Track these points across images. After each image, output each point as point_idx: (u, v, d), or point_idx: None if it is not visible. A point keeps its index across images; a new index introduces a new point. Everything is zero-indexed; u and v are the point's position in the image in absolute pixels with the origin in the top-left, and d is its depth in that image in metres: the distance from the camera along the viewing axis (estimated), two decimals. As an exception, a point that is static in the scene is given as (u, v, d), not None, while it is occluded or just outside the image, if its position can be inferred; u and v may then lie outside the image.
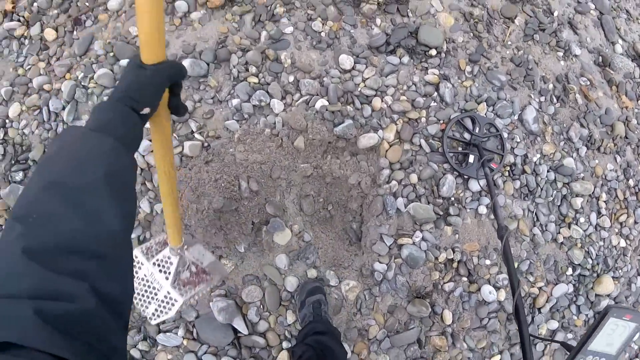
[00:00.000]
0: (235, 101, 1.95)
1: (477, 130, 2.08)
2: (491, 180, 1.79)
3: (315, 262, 1.96)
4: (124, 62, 1.96)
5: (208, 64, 1.97)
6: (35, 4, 2.08)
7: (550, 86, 2.28)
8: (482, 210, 2.06)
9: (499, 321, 2.07)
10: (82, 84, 1.95)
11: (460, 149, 2.10)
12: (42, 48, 2.05)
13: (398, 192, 1.99)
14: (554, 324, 2.14)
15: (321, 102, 1.97)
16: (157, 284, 1.38)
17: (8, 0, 2.11)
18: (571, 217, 2.20)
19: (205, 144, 1.92)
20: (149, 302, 1.37)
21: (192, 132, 1.92)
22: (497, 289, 2.07)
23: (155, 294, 1.37)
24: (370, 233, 1.99)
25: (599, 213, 2.26)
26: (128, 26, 2.00)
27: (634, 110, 2.45)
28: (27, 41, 2.09)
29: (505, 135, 2.13)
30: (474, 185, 2.06)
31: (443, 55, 2.16)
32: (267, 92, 1.96)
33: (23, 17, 2.11)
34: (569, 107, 2.29)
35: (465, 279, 2.04)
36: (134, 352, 1.84)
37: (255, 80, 1.97)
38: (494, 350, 2.07)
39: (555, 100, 2.27)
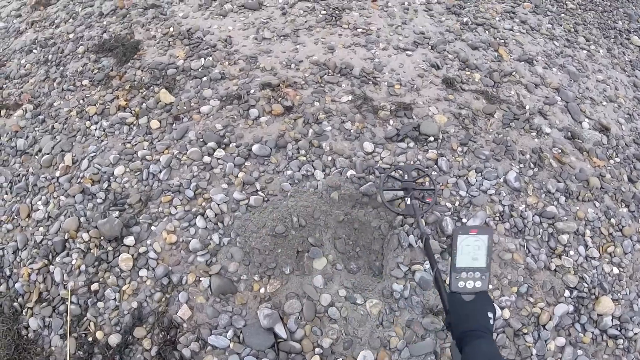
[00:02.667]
0: (289, 172, 2.75)
1: (406, 177, 2.59)
2: (417, 206, 2.36)
3: (344, 283, 2.49)
4: (210, 144, 2.86)
5: (271, 148, 2.84)
6: (144, 104, 3.13)
7: (527, 156, 2.87)
8: None
9: (507, 337, 2.37)
10: (177, 157, 2.84)
11: (396, 195, 2.61)
12: (147, 132, 2.98)
13: (409, 231, 2.57)
14: (562, 340, 2.38)
15: (351, 172, 2.73)
16: None
17: (122, 98, 3.17)
18: (560, 250, 2.58)
19: (266, 199, 2.68)
20: None
21: (257, 190, 2.70)
22: (502, 308, 2.42)
23: None
24: (389, 263, 2.52)
25: (586, 246, 2.61)
26: (215, 123, 2.96)
27: (607, 167, 2.92)
28: (135, 127, 3.02)
29: (433, 173, 2.64)
30: (470, 223, 2.58)
31: (439, 141, 2.89)
32: (312, 165, 2.77)
33: (134, 111, 3.11)
34: (545, 170, 2.83)
35: None
36: (185, 352, 2.24)
37: (304, 158, 2.79)
38: (507, 365, 2.34)
39: (532, 166, 2.83)
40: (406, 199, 2.49)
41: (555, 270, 2.53)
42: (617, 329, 2.45)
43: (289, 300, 2.43)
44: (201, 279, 2.46)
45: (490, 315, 1.21)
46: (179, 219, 2.64)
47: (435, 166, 2.76)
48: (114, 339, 2.33)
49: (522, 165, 2.82)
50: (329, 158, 2.79)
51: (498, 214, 2.64)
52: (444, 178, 2.71)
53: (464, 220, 2.60)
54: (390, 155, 2.79)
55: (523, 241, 2.59)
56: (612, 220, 2.72)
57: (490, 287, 2.45)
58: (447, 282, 1.34)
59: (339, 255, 2.57)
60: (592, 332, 2.41)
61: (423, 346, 2.33)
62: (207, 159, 2.83)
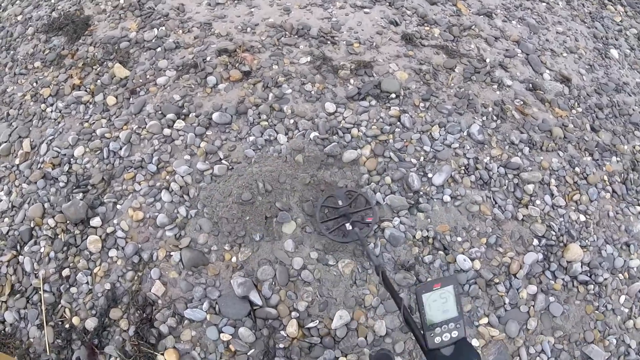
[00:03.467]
0: (251, 138, 2.57)
1: (340, 202, 2.38)
2: (362, 237, 2.21)
3: (315, 245, 2.36)
4: (169, 115, 2.65)
5: (231, 115, 2.64)
6: (99, 81, 2.91)
7: (490, 109, 2.76)
8: (447, 199, 2.43)
9: (479, 287, 2.29)
10: (136, 131, 2.63)
11: (334, 224, 2.36)
12: (104, 109, 2.77)
13: (376, 189, 2.44)
14: (533, 288, 2.31)
15: (314, 134, 2.57)
16: None
17: (76, 77, 2.95)
18: (526, 199, 2.50)
19: (230, 167, 2.51)
20: None
21: (220, 159, 2.52)
22: (472, 259, 2.33)
23: None
24: (359, 222, 2.40)
25: (552, 195, 2.54)
26: (172, 94, 2.75)
27: (569, 117, 2.85)
28: (91, 105, 2.81)
29: (367, 192, 2.40)
30: (437, 180, 2.47)
31: (401, 97, 2.75)
32: (275, 130, 2.60)
33: (89, 88, 2.89)
34: (508, 122, 2.74)
35: (441, 252, 2.33)
36: (163, 328, 2.14)
37: (266, 123, 2.62)
38: (480, 313, 2.26)
39: (495, 118, 2.73)
40: (347, 225, 2.31)
41: (522, 220, 2.45)
42: (587, 275, 2.40)
43: (262, 267, 2.29)
44: (172, 253, 2.33)
45: None
46: (144, 195, 2.47)
47: (399, 122, 2.62)
48: (91, 323, 2.21)
49: (484, 118, 2.72)
50: (291, 121, 2.62)
51: (463, 167, 2.54)
52: (407, 134, 2.58)
53: (430, 175, 2.48)
54: (353, 114, 2.64)
55: (489, 193, 2.50)
56: (577, 169, 2.66)
57: (459, 239, 2.36)
58: (423, 338, 1.23)
59: (308, 218, 2.42)
60: (563, 279, 2.36)
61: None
62: (167, 131, 2.63)
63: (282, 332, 2.17)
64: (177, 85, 2.83)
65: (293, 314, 2.20)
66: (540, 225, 2.44)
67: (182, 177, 2.48)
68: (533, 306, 2.29)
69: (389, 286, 1.54)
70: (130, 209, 2.43)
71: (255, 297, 2.22)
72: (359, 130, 2.58)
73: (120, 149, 2.63)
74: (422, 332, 1.20)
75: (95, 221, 2.42)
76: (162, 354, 2.13)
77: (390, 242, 2.33)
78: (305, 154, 2.49)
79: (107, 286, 2.27)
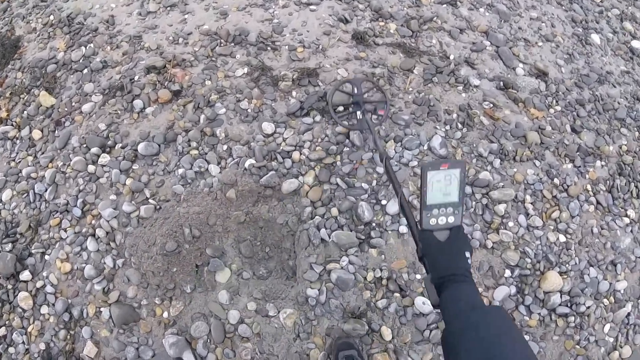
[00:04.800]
0: (180, 170, 2.13)
1: (355, 91, 2.12)
2: (370, 120, 1.99)
3: (254, 294, 1.95)
4: (94, 149, 2.22)
5: (159, 145, 2.20)
6: (25, 112, 2.47)
7: (454, 116, 2.27)
8: (403, 230, 1.99)
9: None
10: (62, 170, 2.22)
11: (346, 110, 2.19)
12: (30, 145, 2.36)
13: (321, 224, 2.00)
14: None
15: (249, 162, 2.12)
16: None
17: (4, 109, 2.54)
18: (497, 222, 2.04)
19: (158, 207, 2.09)
20: None
21: (147, 198, 2.10)
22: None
23: None
24: (302, 264, 1.97)
25: (527, 214, 2.08)
26: (98, 123, 2.31)
27: (546, 118, 2.34)
28: (18, 141, 2.40)
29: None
30: (392, 208, 2.02)
31: (350, 109, 2.27)
32: (205, 159, 2.15)
33: (15, 122, 2.47)
34: (476, 129, 2.24)
35: (397, 294, 1.91)
36: None
37: (196, 152, 2.17)
38: (444, 364, 1.85)
39: (460, 126, 2.24)
40: (358, 113, 2.08)
41: (492, 247, 2.00)
42: (566, 306, 1.96)
43: (195, 322, 1.91)
44: (101, 309, 1.98)
45: (467, 254, 1.05)
46: (70, 244, 2.09)
47: (347, 141, 2.16)
48: None
49: (448, 127, 2.23)
50: (224, 147, 2.17)
51: (419, 192, 2.07)
52: (357, 154, 2.12)
53: (384, 202, 2.03)
54: (294, 134, 2.18)
55: (454, 218, 2.04)
56: (556, 180, 2.18)
57: (419, 277, 1.92)
58: (418, 219, 1.13)
59: (246, 261, 2.01)
60: (539, 314, 1.93)
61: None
62: (91, 167, 2.21)
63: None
64: (102, 112, 2.38)
65: None
66: (513, 252, 1.99)
67: (108, 221, 2.08)
68: None
69: (390, 175, 1.58)
70: (58, 260, 2.06)
71: (189, 358, 1.86)
72: (301, 154, 2.12)
73: (46, 190, 2.22)
74: (420, 210, 1.08)
75: (25, 275, 2.09)
76: None
77: (338, 286, 1.91)
78: (239, 188, 2.05)
79: (42, 346, 1.98)
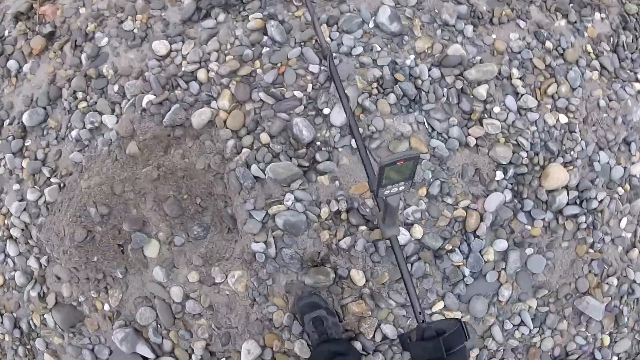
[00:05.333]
0: (74, 132, 1.04)
1: None
2: None
3: (193, 261, 0.96)
4: None
5: (45, 108, 1.08)
6: None
7: None
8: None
9: (425, 262, 0.90)
10: None
11: None
12: None
13: (250, 159, 0.92)
14: (502, 244, 0.93)
15: (147, 98, 0.98)
16: None
17: None
18: (479, 111, 0.96)
19: (62, 184, 1.02)
20: None
21: (48, 177, 1.04)
22: (409, 226, 0.90)
23: None
24: (239, 213, 0.95)
25: (516, 94, 0.99)
26: None
27: (525, -38, 1.08)
28: None
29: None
30: (337, 117, 0.91)
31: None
32: (97, 110, 1.02)
33: None
34: (435, -11, 1.01)
35: (363, 227, 0.91)
36: None
37: (85, 104, 1.03)
38: (433, 296, 0.91)
39: None
40: None
41: (476, 145, 0.95)
42: (575, 204, 0.97)
43: (139, 309, 1.00)
44: (45, 316, 1.07)
45: None
46: None
47: (266, 38, 0.96)
48: None
49: None
50: (115, 88, 1.05)
51: (375, 84, 0.94)
52: (280, 53, 0.97)
53: (326, 111, 0.91)
54: (195, 47, 1.02)
55: (421, 115, 0.94)
56: (548, 44, 1.05)
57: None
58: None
59: (176, 222, 0.99)
60: (543, 219, 0.96)
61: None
62: None
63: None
64: None
65: (193, 357, 0.97)
66: (504, 146, 0.95)
67: (18, 217, 1.07)
68: (504, 269, 0.93)
69: (336, 81, 0.77)
70: None
71: (144, 350, 0.99)
72: (208, 70, 0.98)
73: None
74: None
75: None
76: None
77: (287, 232, 0.92)
78: (140, 139, 0.98)
79: None
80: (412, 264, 0.93)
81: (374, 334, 0.93)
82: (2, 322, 1.12)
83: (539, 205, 0.95)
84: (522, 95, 0.98)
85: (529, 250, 0.94)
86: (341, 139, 0.94)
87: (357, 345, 0.92)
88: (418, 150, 0.94)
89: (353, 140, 0.93)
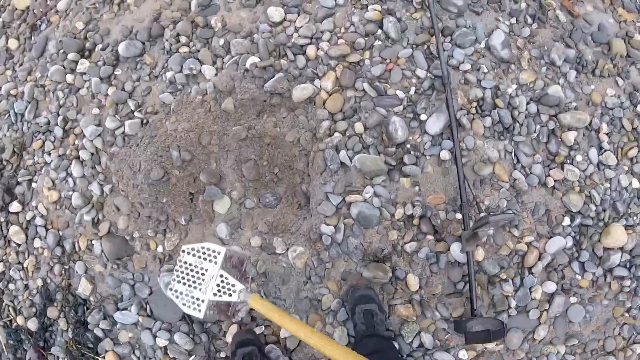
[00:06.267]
0: (169, 74, 1.05)
1: None
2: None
3: (258, 226, 0.97)
4: (71, 55, 1.11)
5: (143, 43, 1.08)
6: (0, 19, 1.30)
7: (523, 5, 1.05)
8: (445, 155, 0.93)
9: (479, 285, 0.93)
10: (40, 83, 1.16)
11: None
12: (8, 57, 1.28)
13: (341, 144, 0.93)
14: (551, 286, 0.97)
15: (251, 60, 0.98)
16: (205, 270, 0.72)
17: None
18: (563, 155, 0.99)
19: (145, 121, 1.02)
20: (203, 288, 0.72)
21: (132, 110, 1.04)
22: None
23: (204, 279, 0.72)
24: (316, 193, 0.97)
25: (600, 149, 1.02)
26: (75, 22, 1.15)
27: (636, 24, 1.10)
28: None
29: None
30: (433, 126, 0.92)
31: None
32: (197, 58, 1.02)
33: None
34: (549, 26, 1.05)
35: (430, 237, 0.94)
36: (97, 332, 1.02)
37: (186, 49, 1.03)
38: (475, 317, 0.94)
39: (530, 20, 1.04)
40: None
41: (553, 187, 0.98)
42: (625, 267, 0.99)
43: None
44: (93, 242, 1.08)
45: None
46: (55, 169, 1.11)
47: (380, 32, 0.97)
48: (32, 325, 1.11)
49: (513, 21, 1.05)
50: (221, 42, 1.04)
51: (475, 103, 0.96)
52: (391, 50, 1.00)
53: (423, 117, 0.94)
54: (309, 22, 1.03)
55: (510, 145, 0.97)
56: (639, 108, 1.02)
57: (458, 217, 0.92)
58: None
59: (250, 186, 1.02)
60: (593, 273, 0.98)
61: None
62: (70, 77, 1.14)
63: (224, 339, 0.97)
64: (79, 7, 1.21)
65: (234, 318, 0.97)
66: (577, 195, 0.97)
67: (91, 140, 1.07)
68: (547, 310, 0.97)
69: (451, 108, 0.81)
70: (45, 188, 1.10)
71: None
72: (318, 49, 0.99)
73: (26, 108, 1.18)
74: None
75: (15, 206, 1.14)
76: (103, 358, 1.01)
77: (359, 222, 0.94)
78: (238, 97, 0.99)
79: (39, 282, 1.12)
80: (465, 283, 0.97)
81: (413, 340, 0.97)
82: (45, 237, 1.13)
83: (593, 259, 0.98)
84: (605, 150, 1.01)
85: (572, 299, 0.98)
86: (431, 148, 0.96)
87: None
88: (500, 177, 0.97)
89: (442, 151, 0.95)
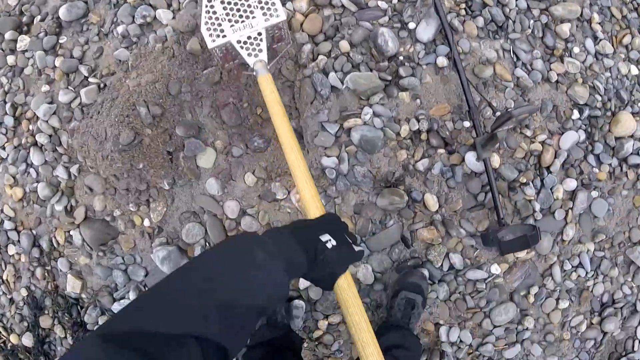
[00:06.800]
0: (120, 28, 0.91)
1: None
2: None
3: (255, 171, 0.86)
4: (8, 34, 0.96)
5: (86, 2, 0.94)
6: None
7: None
8: (442, 62, 0.85)
9: (500, 193, 0.86)
10: None
11: None
12: None
13: (329, 66, 0.83)
14: (572, 183, 0.91)
15: None
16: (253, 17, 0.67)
17: None
18: (561, 48, 0.94)
19: (102, 85, 0.88)
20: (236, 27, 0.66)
21: (86, 77, 0.91)
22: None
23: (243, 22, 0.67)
24: (309, 125, 0.86)
25: (595, 38, 0.97)
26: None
27: None
28: None
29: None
30: (424, 32, 0.85)
31: None
32: (150, 4, 0.89)
33: None
34: None
35: (442, 150, 0.86)
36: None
37: None
38: (501, 230, 0.87)
39: None
40: None
41: (557, 81, 0.92)
42: (638, 154, 0.96)
43: (185, 225, 0.88)
44: (71, 232, 0.94)
45: None
46: (13, 162, 0.95)
47: None
48: (27, 341, 1.00)
49: None
50: None
51: (464, 5, 0.89)
52: None
53: (411, 25, 0.85)
54: None
55: (507, 43, 0.90)
56: None
57: (467, 124, 0.85)
58: None
59: (234, 132, 0.88)
60: (610, 164, 0.94)
61: (386, 236, 0.83)
62: (11, 59, 0.97)
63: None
64: None
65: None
66: (581, 87, 0.93)
67: (47, 121, 0.92)
68: (571, 209, 0.90)
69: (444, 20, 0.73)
70: (7, 187, 0.95)
71: None
72: None
73: None
74: None
75: None
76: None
77: (362, 148, 0.84)
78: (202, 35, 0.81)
79: (24, 292, 1.00)
80: (485, 194, 0.89)
81: (442, 263, 0.89)
82: (18, 241, 0.97)
83: (607, 151, 0.93)
84: (600, 40, 0.96)
85: (594, 193, 0.92)
86: (426, 56, 0.87)
87: (424, 273, 0.87)
88: (503, 77, 0.90)
89: (438, 57, 0.85)
